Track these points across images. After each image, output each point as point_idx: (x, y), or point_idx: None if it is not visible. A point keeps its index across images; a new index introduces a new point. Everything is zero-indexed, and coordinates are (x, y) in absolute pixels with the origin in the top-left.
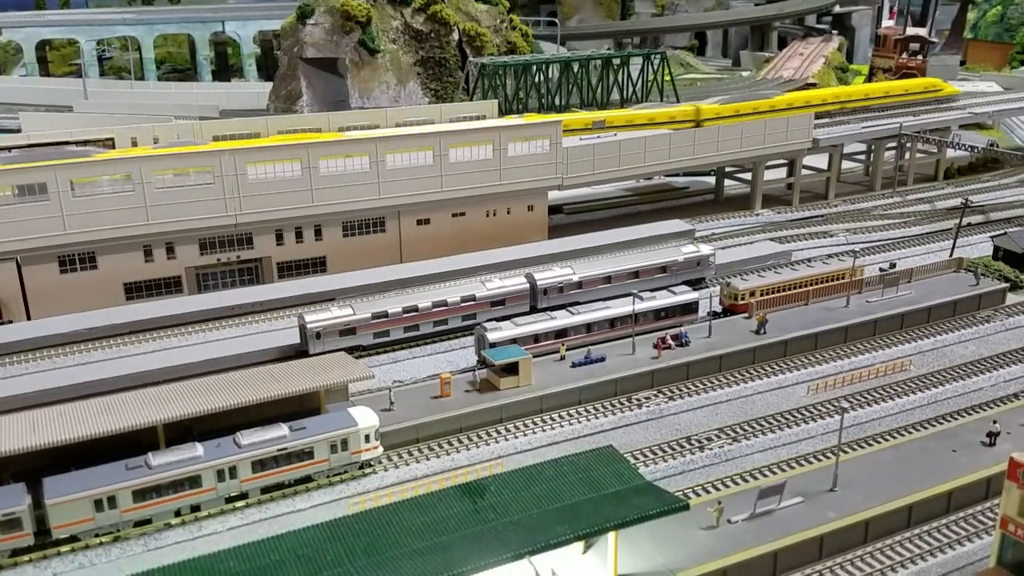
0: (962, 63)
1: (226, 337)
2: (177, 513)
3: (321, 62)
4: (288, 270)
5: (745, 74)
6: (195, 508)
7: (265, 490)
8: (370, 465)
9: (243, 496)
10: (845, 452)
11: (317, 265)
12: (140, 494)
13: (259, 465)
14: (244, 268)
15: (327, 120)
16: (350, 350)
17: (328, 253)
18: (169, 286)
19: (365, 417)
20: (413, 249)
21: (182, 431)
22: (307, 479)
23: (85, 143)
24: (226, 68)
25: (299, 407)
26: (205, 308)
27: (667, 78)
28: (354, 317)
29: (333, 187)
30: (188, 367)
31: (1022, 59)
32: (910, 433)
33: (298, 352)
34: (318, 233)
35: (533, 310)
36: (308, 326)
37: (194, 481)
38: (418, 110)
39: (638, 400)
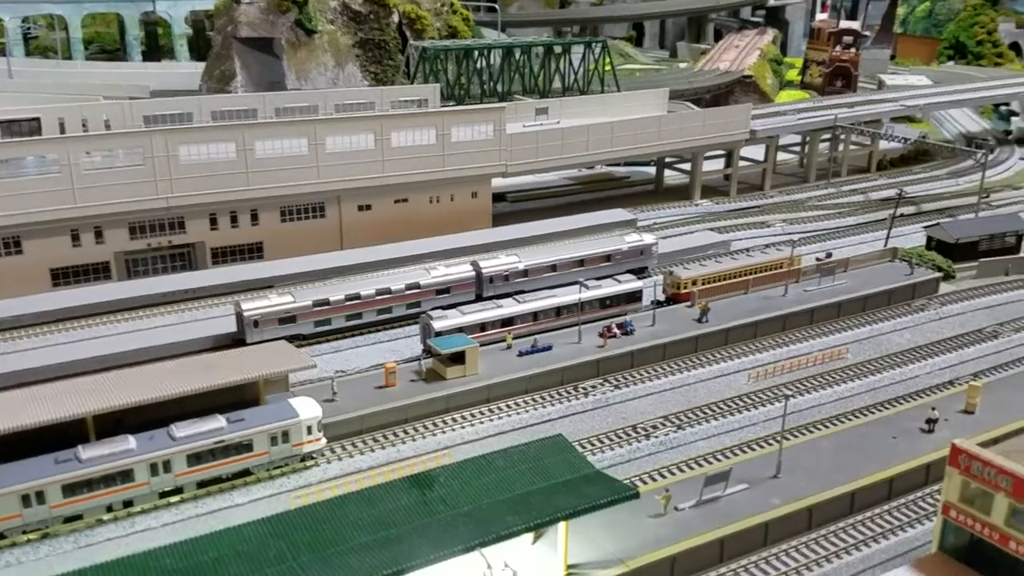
0: (892, 57)
1: (158, 325)
2: (109, 508)
3: (256, 42)
4: (223, 256)
5: (682, 65)
6: (128, 503)
7: (201, 484)
8: (312, 457)
9: (178, 491)
10: (788, 439)
11: (253, 251)
12: (70, 489)
13: (195, 458)
14: (176, 253)
15: (263, 101)
16: (290, 339)
17: (265, 238)
18: (97, 272)
19: (307, 408)
20: (354, 236)
21: (113, 423)
22: (246, 472)
23: (9, 123)
24: (157, 49)
25: (237, 398)
26: (136, 295)
27: (607, 68)
28: (294, 304)
29: (270, 170)
30: (119, 356)
31: (949, 54)
32: (850, 420)
33: (235, 341)
34: (254, 218)
35: (479, 298)
36: (245, 314)
37: (126, 475)
38: (358, 93)
39: (584, 389)
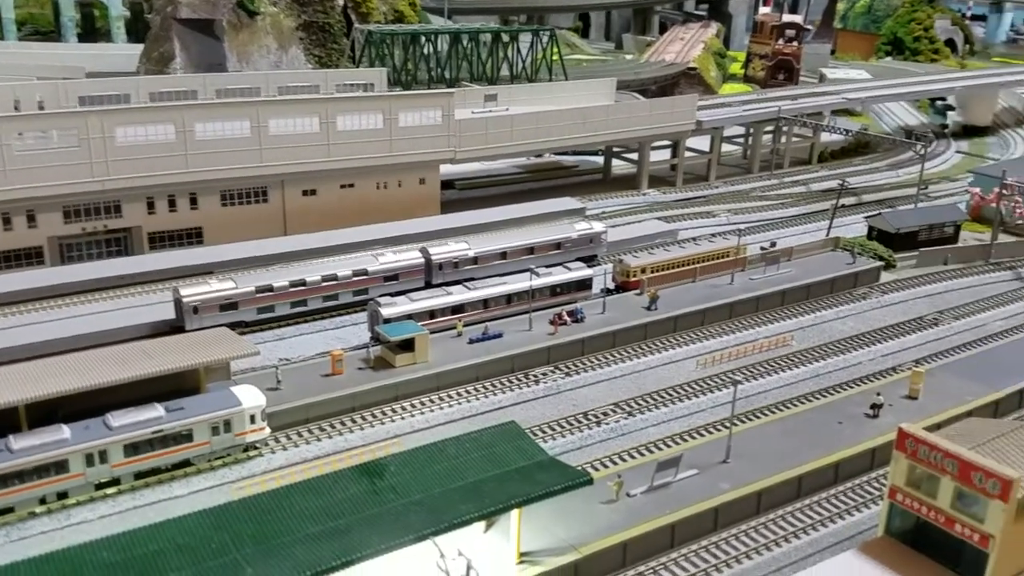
0: (832, 52)
1: (93, 312)
2: (42, 501)
3: (196, 23)
4: (160, 241)
5: (628, 57)
6: (62, 495)
7: (139, 475)
8: (256, 447)
9: (115, 482)
10: (736, 424)
11: (192, 236)
12: (1, 480)
13: (132, 449)
14: (112, 238)
15: (203, 82)
16: (231, 326)
17: (204, 223)
18: (30, 257)
19: (250, 396)
20: (298, 221)
21: (46, 412)
22: (186, 463)
23: None
24: (93, 31)
25: (176, 386)
26: (70, 280)
27: (555, 57)
28: (236, 291)
29: (210, 152)
30: (52, 343)
31: (887, 49)
32: (796, 406)
33: (173, 328)
34: (193, 202)
35: (428, 285)
36: (184, 300)
37: (60, 466)
38: (303, 75)
39: (535, 376)
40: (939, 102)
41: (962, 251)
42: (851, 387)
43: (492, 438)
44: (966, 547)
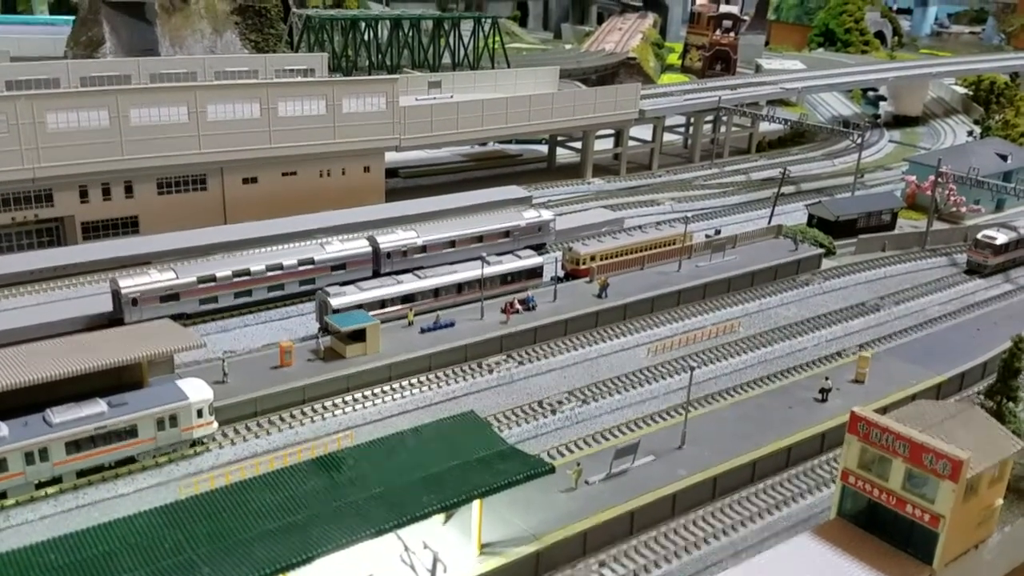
0: (766, 43)
1: (26, 305)
2: None
3: (127, 6)
4: (94, 231)
5: (568, 46)
6: (1, 495)
7: (82, 473)
8: (203, 443)
9: (56, 480)
10: (690, 410)
11: (128, 225)
12: None
13: (74, 446)
14: (43, 228)
15: (137, 66)
16: (173, 318)
17: (140, 212)
18: None
19: (197, 390)
20: (239, 210)
21: None
22: (131, 460)
23: None
24: (13, 13)
25: (117, 381)
26: (0, 272)
27: (496, 45)
28: (177, 281)
29: (146, 139)
30: None
31: (819, 41)
32: (747, 391)
33: (112, 320)
34: (129, 190)
35: (375, 275)
36: (123, 291)
37: None
38: (241, 60)
39: (488, 365)
40: (871, 93)
41: (899, 238)
42: (799, 372)
43: (451, 428)
44: (916, 527)
